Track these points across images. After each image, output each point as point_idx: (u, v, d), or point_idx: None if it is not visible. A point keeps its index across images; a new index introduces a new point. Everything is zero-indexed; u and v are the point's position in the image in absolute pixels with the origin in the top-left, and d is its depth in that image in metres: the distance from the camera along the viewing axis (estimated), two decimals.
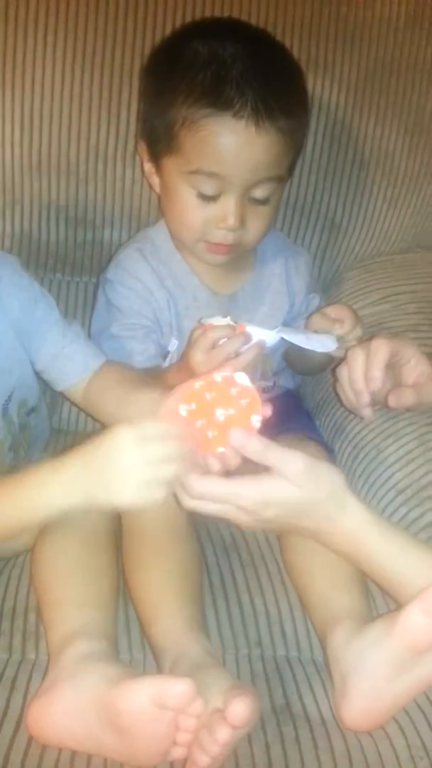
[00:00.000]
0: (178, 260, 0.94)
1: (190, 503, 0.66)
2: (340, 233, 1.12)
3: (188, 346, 0.81)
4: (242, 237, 0.86)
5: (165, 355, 0.93)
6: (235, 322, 0.79)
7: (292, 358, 1.01)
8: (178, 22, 1.00)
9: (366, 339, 0.80)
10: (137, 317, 0.92)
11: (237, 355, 0.77)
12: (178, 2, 1.00)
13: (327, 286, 1.14)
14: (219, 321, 0.79)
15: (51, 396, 0.99)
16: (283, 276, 0.99)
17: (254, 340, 0.78)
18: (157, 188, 0.91)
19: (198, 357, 0.77)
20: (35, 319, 0.82)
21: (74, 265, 1.07)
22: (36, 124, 1.00)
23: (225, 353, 0.76)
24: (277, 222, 1.10)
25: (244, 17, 1.02)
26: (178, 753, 0.60)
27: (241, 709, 0.58)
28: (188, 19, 1.00)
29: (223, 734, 0.58)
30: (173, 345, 0.93)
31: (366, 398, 0.76)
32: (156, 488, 0.62)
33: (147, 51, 0.99)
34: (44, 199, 1.04)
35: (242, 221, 0.84)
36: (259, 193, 0.83)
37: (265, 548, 0.85)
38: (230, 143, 0.79)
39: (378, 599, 0.76)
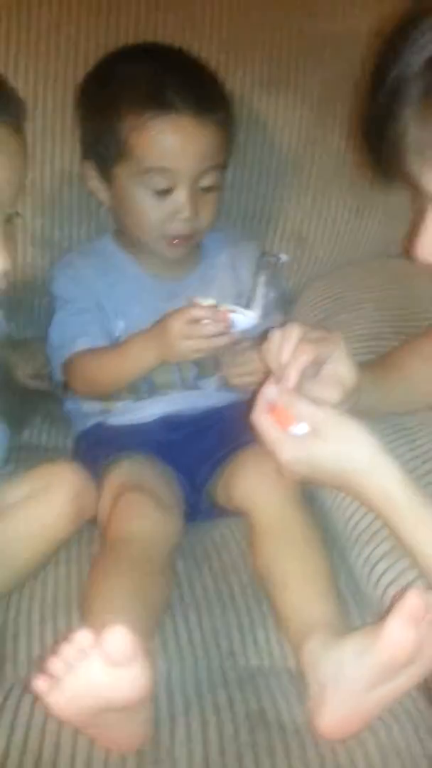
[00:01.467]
0: (119, 254, 1.00)
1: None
2: (307, 245, 1.14)
3: (167, 316, 0.85)
4: (197, 225, 0.93)
5: (113, 339, 0.96)
6: (218, 306, 0.84)
7: None
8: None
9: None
10: (78, 302, 0.96)
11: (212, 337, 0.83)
12: (139, 29, 1.02)
13: (296, 298, 1.14)
14: (206, 302, 0.85)
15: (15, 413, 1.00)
16: (228, 267, 1.03)
17: (236, 328, 0.83)
18: (107, 201, 0.96)
19: (176, 326, 0.83)
20: None
21: (43, 286, 1.06)
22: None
23: (204, 332, 0.83)
24: (243, 234, 1.12)
25: (206, 37, 1.05)
26: None
27: None
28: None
29: None
30: (120, 328, 0.96)
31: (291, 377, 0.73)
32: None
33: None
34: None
35: (195, 212, 0.90)
36: (207, 181, 0.91)
37: (237, 558, 0.84)
38: (177, 139, 0.87)
39: (351, 607, 0.77)
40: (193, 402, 0.98)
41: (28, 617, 0.77)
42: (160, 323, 0.87)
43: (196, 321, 0.83)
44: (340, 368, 0.75)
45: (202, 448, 0.94)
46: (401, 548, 0.71)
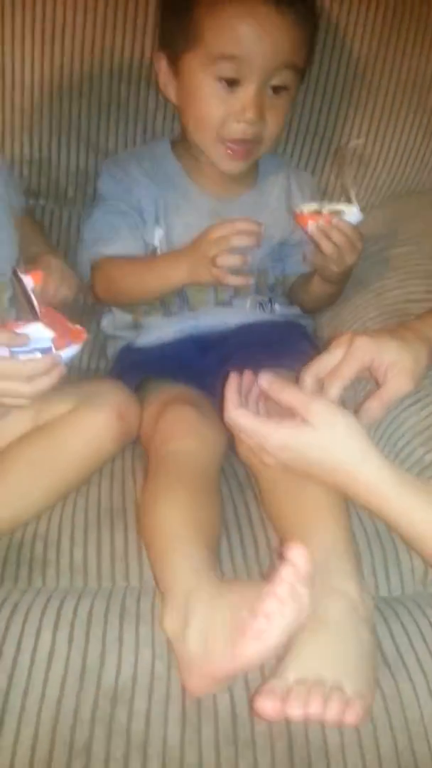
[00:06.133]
0: (172, 162, 0.97)
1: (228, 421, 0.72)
2: (369, 168, 1.08)
3: (202, 237, 0.84)
4: (261, 131, 0.88)
5: (148, 247, 0.95)
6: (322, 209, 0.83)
7: (297, 287, 1.01)
8: None
9: (350, 334, 0.76)
10: (117, 202, 0.94)
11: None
12: None
13: None
14: (309, 207, 0.84)
15: None
16: (283, 195, 1.00)
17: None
18: (174, 98, 0.92)
19: (207, 243, 0.82)
20: None
21: (94, 196, 1.05)
22: (57, 45, 0.97)
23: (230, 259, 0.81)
24: (301, 154, 1.07)
25: None
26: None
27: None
28: None
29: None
30: (159, 234, 0.94)
31: (334, 392, 0.74)
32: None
33: None
34: (64, 123, 1.01)
35: (261, 114, 0.86)
36: (278, 80, 0.86)
37: None
38: (251, 25, 0.83)
39: None
40: (222, 318, 0.97)
41: (72, 525, 0.78)
42: (197, 238, 0.85)
43: (227, 239, 0.81)
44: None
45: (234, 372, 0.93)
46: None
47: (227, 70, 0.84)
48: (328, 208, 0.83)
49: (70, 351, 0.70)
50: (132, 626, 0.67)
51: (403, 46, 1.04)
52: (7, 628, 0.66)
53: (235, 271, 0.83)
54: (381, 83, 1.05)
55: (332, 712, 0.58)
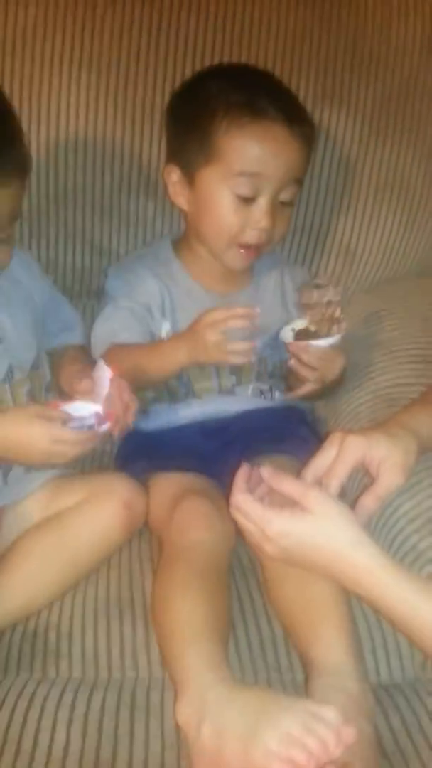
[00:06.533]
0: (175, 262, 1.04)
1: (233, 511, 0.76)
2: (355, 259, 1.15)
3: (199, 317, 0.90)
4: (269, 237, 0.96)
5: (156, 338, 1.00)
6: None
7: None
8: (198, 61, 1.04)
9: (342, 432, 0.80)
10: (126, 301, 1.00)
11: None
12: (197, 42, 1.04)
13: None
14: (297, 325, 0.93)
15: None
16: (278, 289, 1.06)
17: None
18: (185, 205, 0.99)
19: (203, 326, 0.88)
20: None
21: (99, 291, 1.12)
22: (61, 157, 1.05)
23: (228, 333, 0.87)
24: (292, 248, 1.14)
25: (261, 51, 1.07)
26: None
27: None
28: (207, 57, 1.04)
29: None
30: (165, 328, 1.01)
31: (332, 491, 0.77)
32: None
33: (167, 88, 1.04)
34: (69, 228, 1.09)
35: (273, 223, 0.94)
36: (286, 194, 0.95)
37: None
38: (269, 145, 0.91)
39: None
40: (226, 405, 1.01)
41: (82, 617, 0.81)
42: (192, 324, 0.91)
43: (224, 322, 0.87)
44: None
45: (235, 458, 0.97)
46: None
47: (245, 186, 0.91)
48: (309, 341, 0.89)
49: (104, 427, 0.82)
50: (142, 720, 0.70)
51: (382, 148, 1.12)
52: (24, 722, 0.69)
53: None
54: (364, 182, 1.12)
55: None
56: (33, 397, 0.91)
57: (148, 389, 1.01)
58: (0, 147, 0.79)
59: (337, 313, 0.91)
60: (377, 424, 0.88)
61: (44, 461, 0.83)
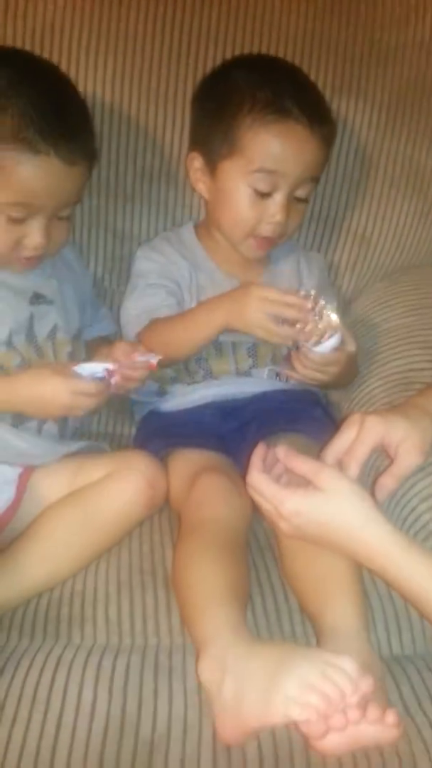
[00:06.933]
0: (197, 247, 1.07)
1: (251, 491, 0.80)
2: (370, 248, 1.18)
3: (251, 284, 0.93)
4: (283, 231, 0.99)
5: None
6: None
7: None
8: (219, 52, 1.07)
9: (361, 414, 0.82)
10: (159, 279, 1.03)
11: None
12: (219, 32, 1.07)
13: (355, 298, 1.20)
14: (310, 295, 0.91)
15: None
16: (294, 276, 1.09)
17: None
18: (206, 193, 1.03)
19: (258, 293, 0.91)
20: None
21: (121, 276, 1.15)
22: None
23: (281, 312, 0.89)
24: (308, 236, 1.17)
25: (281, 44, 1.09)
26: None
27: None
28: (229, 47, 1.07)
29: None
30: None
31: (353, 472, 0.80)
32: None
33: (190, 78, 1.07)
34: (93, 215, 1.12)
35: (287, 217, 0.97)
36: (302, 191, 0.98)
37: None
38: (289, 144, 0.94)
39: None
40: (243, 387, 1.04)
41: (106, 586, 0.84)
42: (242, 287, 0.94)
43: (274, 305, 0.89)
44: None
45: (251, 438, 0.99)
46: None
47: (263, 182, 0.95)
48: (314, 320, 0.89)
49: (115, 379, 0.90)
50: (165, 679, 0.73)
51: (398, 139, 1.14)
52: (52, 683, 0.72)
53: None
54: (380, 172, 1.15)
55: (372, 716, 0.63)
56: (75, 361, 0.96)
57: (179, 363, 1.03)
58: (74, 128, 0.86)
59: (324, 313, 0.89)
60: (393, 407, 0.91)
61: (65, 413, 0.91)
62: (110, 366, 0.89)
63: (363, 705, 0.63)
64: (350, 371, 1.01)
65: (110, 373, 0.89)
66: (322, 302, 0.89)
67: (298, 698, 0.62)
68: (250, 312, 0.90)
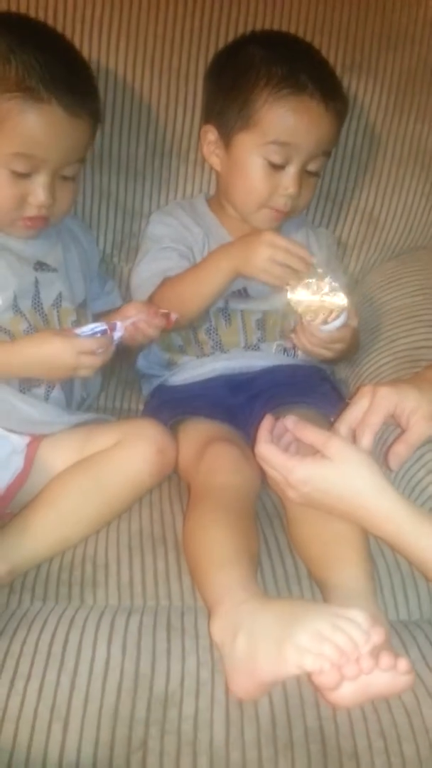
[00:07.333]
0: (209, 215, 1.09)
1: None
2: (378, 227, 1.19)
3: (257, 234, 0.94)
4: (296, 204, 1.00)
5: None
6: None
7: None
8: (231, 30, 1.08)
9: (373, 385, 0.84)
10: (173, 243, 1.05)
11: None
12: (231, 11, 1.08)
13: (363, 277, 1.20)
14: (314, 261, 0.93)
15: None
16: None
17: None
18: (219, 166, 1.04)
19: (267, 238, 0.92)
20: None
21: (129, 252, 1.16)
22: None
23: (287, 260, 0.91)
24: (316, 213, 1.18)
25: (292, 21, 1.10)
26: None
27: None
28: (240, 25, 1.08)
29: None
30: None
31: (366, 440, 0.81)
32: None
33: (201, 55, 1.08)
34: (103, 191, 1.13)
35: (299, 190, 0.99)
36: (314, 165, 1.00)
37: None
38: (304, 118, 0.96)
39: None
40: (252, 360, 1.05)
41: (117, 550, 0.85)
42: (253, 232, 0.96)
43: (282, 252, 0.91)
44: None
45: (259, 410, 1.00)
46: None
47: (277, 154, 0.97)
48: (321, 299, 0.90)
49: (118, 334, 0.91)
50: (178, 638, 0.74)
51: (407, 118, 1.15)
52: (66, 641, 0.73)
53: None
54: (389, 151, 1.16)
55: (385, 664, 0.64)
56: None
57: (189, 332, 1.05)
58: (77, 81, 0.88)
59: (331, 292, 0.90)
60: (400, 380, 0.92)
61: (70, 374, 0.90)
62: (116, 323, 0.90)
63: (375, 654, 0.64)
64: (353, 345, 1.02)
65: (113, 327, 0.90)
66: (328, 279, 0.89)
67: (311, 649, 0.63)
68: (258, 255, 0.91)
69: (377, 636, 0.64)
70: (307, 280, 0.89)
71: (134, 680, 0.70)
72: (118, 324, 0.90)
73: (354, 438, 0.82)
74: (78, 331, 0.89)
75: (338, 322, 0.91)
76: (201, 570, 0.78)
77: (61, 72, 0.86)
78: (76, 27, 1.05)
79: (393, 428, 0.86)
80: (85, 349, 0.87)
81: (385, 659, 0.64)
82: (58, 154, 0.88)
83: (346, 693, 0.65)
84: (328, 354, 0.97)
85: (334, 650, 0.62)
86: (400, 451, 0.81)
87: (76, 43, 1.04)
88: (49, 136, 0.86)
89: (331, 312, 0.90)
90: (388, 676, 0.65)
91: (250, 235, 0.96)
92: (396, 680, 0.66)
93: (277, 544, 0.87)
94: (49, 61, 0.86)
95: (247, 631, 0.67)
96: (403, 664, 0.65)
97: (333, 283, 0.89)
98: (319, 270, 0.91)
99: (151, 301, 1.00)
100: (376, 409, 0.81)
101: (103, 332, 0.89)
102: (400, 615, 0.82)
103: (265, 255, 0.91)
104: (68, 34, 1.04)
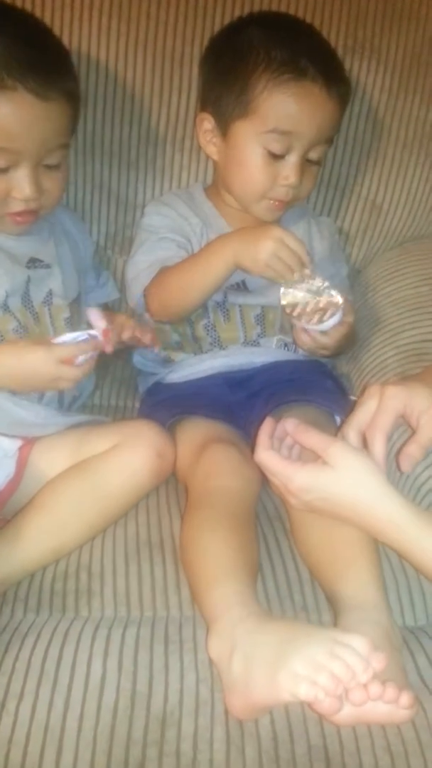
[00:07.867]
0: (207, 205, 1.05)
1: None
2: (381, 214, 1.15)
3: (261, 227, 0.92)
4: (297, 193, 0.97)
5: None
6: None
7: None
8: (228, 13, 1.03)
9: (380, 384, 0.80)
10: (170, 233, 1.01)
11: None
12: None
13: (365, 266, 1.17)
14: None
15: None
16: (305, 239, 1.06)
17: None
18: (216, 155, 1.00)
19: (276, 233, 0.89)
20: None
21: (123, 244, 1.12)
22: (90, 108, 1.04)
23: (288, 258, 0.88)
24: (318, 201, 1.14)
25: (292, 2, 1.05)
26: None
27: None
28: (238, 8, 1.03)
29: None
30: None
31: (378, 446, 0.77)
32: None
33: (197, 40, 1.03)
34: (96, 180, 1.09)
35: (300, 180, 0.95)
36: (315, 153, 0.95)
37: None
38: (305, 105, 0.91)
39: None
40: (251, 356, 1.02)
41: (113, 558, 0.83)
42: (259, 226, 0.93)
43: (287, 248, 0.88)
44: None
45: (260, 409, 0.97)
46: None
47: (277, 143, 0.92)
48: (315, 299, 0.89)
49: (99, 339, 0.87)
50: (176, 653, 0.71)
51: (411, 102, 1.11)
52: (60, 656, 0.70)
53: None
54: (392, 136, 1.12)
55: (388, 697, 0.62)
56: (72, 327, 0.93)
57: (186, 330, 1.01)
58: (45, 63, 0.82)
59: (326, 292, 0.89)
60: (411, 376, 0.88)
61: (51, 386, 0.86)
62: (91, 332, 0.86)
63: (383, 682, 0.62)
64: (351, 339, 1.00)
65: (92, 336, 0.86)
66: (321, 280, 0.88)
67: (306, 676, 0.60)
68: (263, 249, 0.88)
69: (378, 663, 0.61)
70: (299, 282, 0.88)
71: (131, 698, 0.67)
72: (99, 332, 0.86)
73: (364, 442, 0.79)
74: (58, 340, 0.85)
75: (334, 320, 0.90)
76: (198, 583, 0.75)
77: (26, 55, 0.81)
78: (66, 10, 1.01)
79: (403, 429, 0.83)
80: (65, 356, 0.83)
81: (389, 692, 0.62)
82: (35, 143, 0.83)
83: (345, 717, 0.63)
84: (325, 352, 0.96)
85: (329, 679, 0.60)
86: (412, 452, 0.78)
87: (67, 29, 1.00)
88: (22, 125, 0.82)
89: (326, 311, 0.89)
90: (388, 708, 0.62)
91: (256, 228, 0.92)
92: (396, 713, 0.63)
93: (278, 547, 0.85)
94: (9, 45, 0.81)
95: (243, 653, 0.65)
96: (405, 699, 0.62)
97: (325, 282, 0.88)
98: (307, 271, 0.89)
99: (148, 291, 0.97)
100: (385, 410, 0.78)
101: (85, 341, 0.85)
102: (406, 621, 0.80)
103: (270, 249, 0.88)
104: (60, 20, 1.00)
